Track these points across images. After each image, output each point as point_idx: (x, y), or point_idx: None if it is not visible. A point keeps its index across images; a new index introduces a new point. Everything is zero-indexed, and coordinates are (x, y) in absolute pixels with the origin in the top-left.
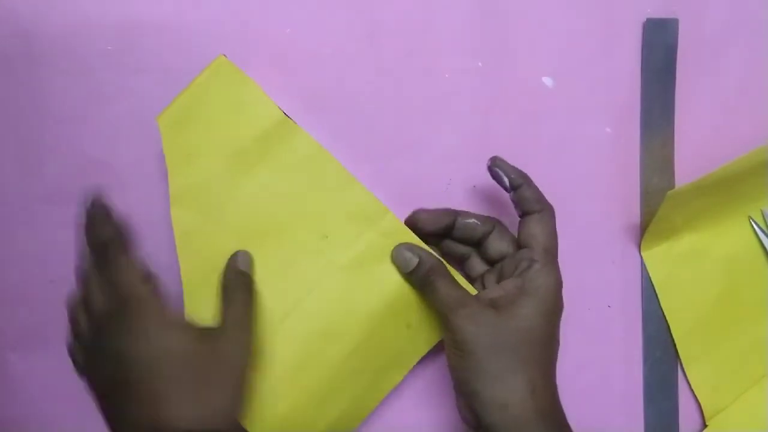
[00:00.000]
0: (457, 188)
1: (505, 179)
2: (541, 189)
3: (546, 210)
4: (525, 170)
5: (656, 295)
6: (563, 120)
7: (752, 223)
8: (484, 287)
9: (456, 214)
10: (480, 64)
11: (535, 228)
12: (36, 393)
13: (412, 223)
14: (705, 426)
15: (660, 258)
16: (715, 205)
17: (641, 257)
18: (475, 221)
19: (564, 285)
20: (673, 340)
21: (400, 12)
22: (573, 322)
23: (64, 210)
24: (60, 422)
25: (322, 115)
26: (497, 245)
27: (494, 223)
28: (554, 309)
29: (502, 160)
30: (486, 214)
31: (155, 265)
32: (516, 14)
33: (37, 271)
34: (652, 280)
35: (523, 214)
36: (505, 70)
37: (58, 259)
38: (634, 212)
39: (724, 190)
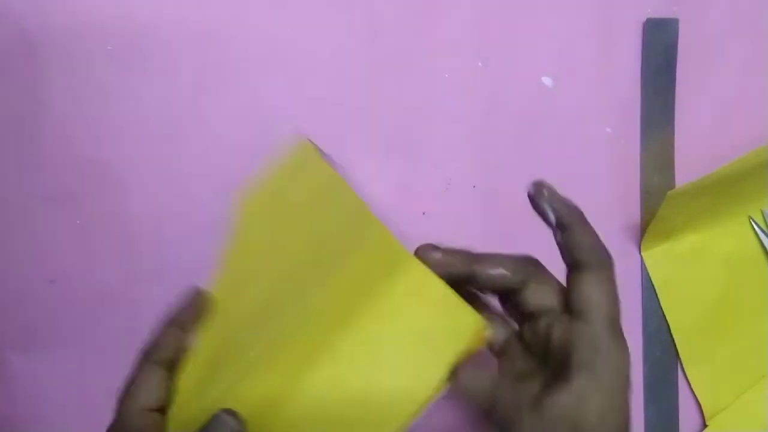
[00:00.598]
0: (457, 188)
1: (551, 215)
2: None
3: (606, 264)
4: (524, 170)
5: (656, 294)
6: (563, 120)
7: (752, 223)
8: (507, 349)
9: (476, 261)
10: (480, 64)
11: (592, 290)
12: (36, 393)
13: (422, 261)
14: (705, 426)
15: (660, 258)
16: (716, 205)
17: (641, 257)
18: (503, 272)
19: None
20: (673, 340)
21: (400, 12)
22: None
23: (64, 210)
24: (60, 422)
25: (323, 115)
26: (536, 299)
27: (530, 271)
28: (628, 396)
29: (550, 190)
30: (520, 250)
31: (154, 265)
32: (516, 14)
33: (37, 271)
34: (652, 279)
35: (573, 267)
36: (505, 70)
37: (58, 259)
38: (634, 212)
39: (725, 190)
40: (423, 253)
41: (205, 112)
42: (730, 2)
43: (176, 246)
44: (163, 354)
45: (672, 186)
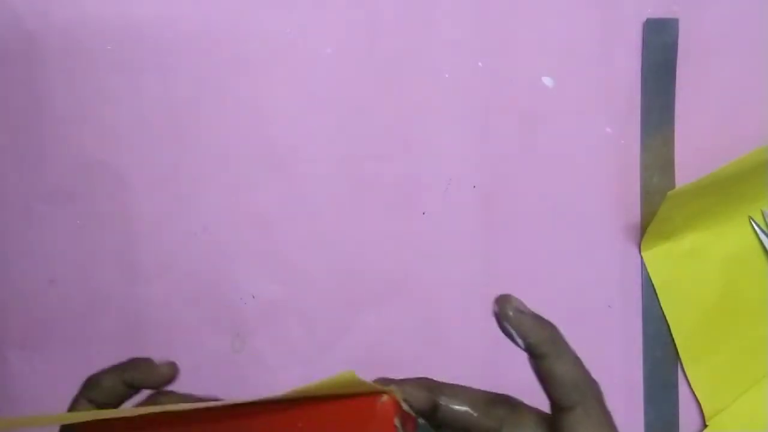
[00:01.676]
0: (457, 188)
1: (520, 342)
2: (540, 189)
3: (593, 395)
4: (524, 171)
5: (656, 295)
6: (563, 120)
7: (752, 223)
8: None
9: (438, 390)
10: (480, 64)
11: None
12: (36, 393)
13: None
14: (705, 426)
15: (660, 258)
16: (716, 206)
17: (641, 257)
18: (468, 410)
19: (564, 285)
20: (673, 340)
21: (400, 12)
22: (573, 322)
23: (64, 210)
24: None
25: (323, 115)
26: None
27: (503, 414)
28: None
29: (517, 309)
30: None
31: (154, 265)
32: (516, 14)
33: (37, 271)
34: (653, 280)
35: (556, 405)
36: (505, 70)
37: (58, 259)
38: (634, 212)
39: (725, 190)
40: (382, 384)
41: (205, 112)
42: (730, 2)
43: (176, 246)
44: (99, 396)
45: (672, 186)
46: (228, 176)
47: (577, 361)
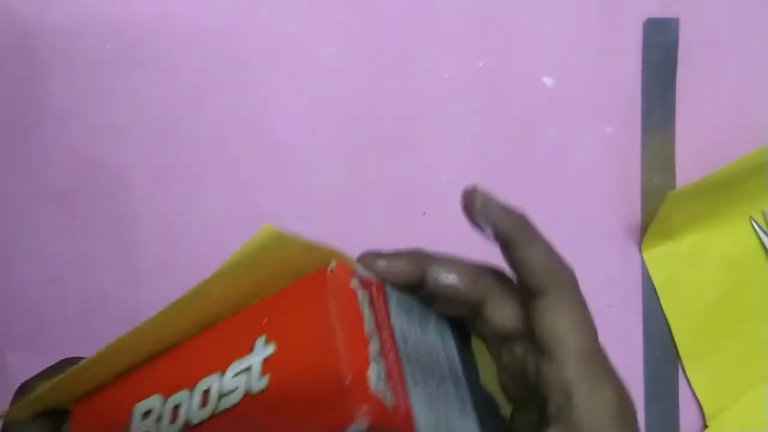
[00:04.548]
0: (457, 188)
1: (489, 231)
2: (540, 189)
3: (564, 281)
4: (524, 171)
5: (657, 295)
6: (563, 120)
7: (753, 223)
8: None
9: (428, 262)
10: (480, 64)
11: (554, 320)
12: None
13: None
14: (706, 426)
15: (661, 258)
16: (716, 206)
17: (642, 257)
18: (456, 281)
19: None
20: (673, 341)
21: (400, 12)
22: None
23: (64, 210)
24: None
25: (323, 115)
26: (497, 319)
27: (489, 285)
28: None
29: (484, 199)
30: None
31: (154, 265)
32: (516, 14)
33: (37, 271)
34: (653, 280)
35: (528, 292)
36: (505, 70)
37: (58, 259)
38: (634, 212)
39: (726, 190)
40: (365, 262)
41: (206, 111)
42: (731, 2)
43: (176, 246)
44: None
45: (673, 186)
46: (228, 176)
47: (549, 248)
